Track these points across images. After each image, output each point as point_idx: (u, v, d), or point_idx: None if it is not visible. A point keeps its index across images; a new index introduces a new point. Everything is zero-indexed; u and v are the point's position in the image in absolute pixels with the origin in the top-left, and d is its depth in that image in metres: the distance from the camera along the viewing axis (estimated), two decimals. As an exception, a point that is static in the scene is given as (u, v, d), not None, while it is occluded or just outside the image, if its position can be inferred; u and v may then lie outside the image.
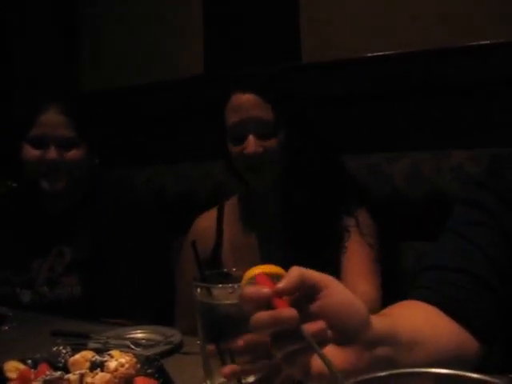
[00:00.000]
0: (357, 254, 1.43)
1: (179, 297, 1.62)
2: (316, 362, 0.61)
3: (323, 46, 1.99)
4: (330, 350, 0.64)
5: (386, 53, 1.86)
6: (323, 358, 0.60)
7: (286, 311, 0.61)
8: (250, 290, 0.63)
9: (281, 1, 2.09)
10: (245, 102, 1.44)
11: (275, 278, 0.81)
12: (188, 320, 1.52)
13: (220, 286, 0.85)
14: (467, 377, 0.47)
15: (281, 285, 0.63)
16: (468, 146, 1.64)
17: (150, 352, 1.10)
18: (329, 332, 0.63)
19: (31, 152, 1.64)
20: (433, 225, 1.11)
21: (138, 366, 0.94)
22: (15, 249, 1.72)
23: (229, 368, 0.85)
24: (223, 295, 0.85)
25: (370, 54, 1.88)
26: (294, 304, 0.64)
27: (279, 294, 0.62)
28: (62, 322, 1.38)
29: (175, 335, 1.21)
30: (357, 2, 1.93)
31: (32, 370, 0.96)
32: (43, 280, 1.67)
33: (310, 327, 0.61)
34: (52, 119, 1.64)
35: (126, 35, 2.49)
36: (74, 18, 2.61)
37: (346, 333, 0.64)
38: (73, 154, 1.65)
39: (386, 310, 0.82)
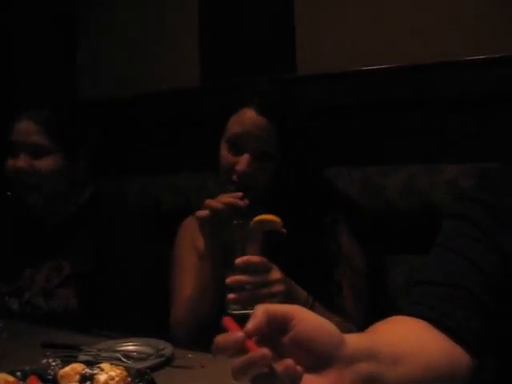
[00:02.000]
0: (351, 298, 1.43)
1: (179, 283, 1.55)
2: None
3: (318, 58, 2.00)
4: (310, 378, 0.64)
5: (381, 66, 1.86)
6: None
7: (257, 353, 0.61)
8: (221, 338, 0.63)
9: (276, 12, 2.10)
10: (255, 122, 1.40)
11: (271, 224, 1.24)
12: (185, 307, 1.48)
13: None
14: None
15: (248, 326, 0.63)
16: (462, 160, 1.65)
17: (140, 365, 1.09)
18: (298, 367, 0.63)
19: (8, 161, 1.64)
20: (426, 238, 1.10)
21: (129, 379, 0.93)
22: (7, 258, 1.71)
23: (233, 278, 1.20)
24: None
25: (364, 68, 1.89)
26: (268, 341, 0.64)
27: (248, 335, 0.63)
28: (53, 334, 1.37)
29: (167, 348, 1.20)
30: (353, 15, 1.94)
31: (21, 383, 0.95)
32: (38, 291, 1.66)
33: (279, 367, 0.62)
34: (23, 127, 1.62)
35: (121, 45, 2.50)
36: (74, 31, 2.62)
37: (321, 356, 0.65)
38: (44, 162, 1.62)
39: (372, 327, 0.82)
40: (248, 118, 1.41)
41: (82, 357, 1.15)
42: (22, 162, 1.60)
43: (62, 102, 1.87)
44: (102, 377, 0.91)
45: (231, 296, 1.22)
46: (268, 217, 1.25)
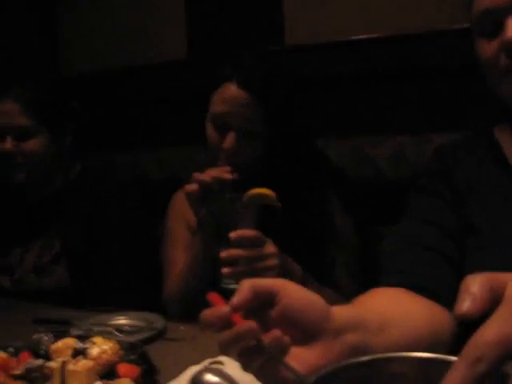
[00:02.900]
0: (345, 274, 1.44)
1: (171, 257, 1.55)
2: (286, 371, 0.62)
3: (306, 28, 1.98)
4: (299, 351, 0.64)
5: (369, 36, 1.85)
6: (286, 365, 0.61)
7: (244, 325, 0.61)
8: (207, 313, 0.63)
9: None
10: (237, 98, 1.36)
11: (265, 198, 1.23)
12: (177, 281, 1.49)
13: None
14: (449, 360, 0.47)
15: (234, 300, 0.63)
16: (450, 129, 1.65)
17: (133, 338, 1.10)
18: (286, 337, 0.63)
19: None
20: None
21: (121, 352, 0.94)
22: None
23: (227, 252, 1.20)
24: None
25: (352, 37, 1.87)
26: (254, 315, 0.64)
27: (234, 309, 0.62)
28: (44, 310, 1.37)
29: (159, 321, 1.20)
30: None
31: (13, 358, 0.95)
32: (30, 268, 1.66)
33: (266, 338, 0.62)
34: (7, 108, 1.60)
35: (104, 17, 2.46)
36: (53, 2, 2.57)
37: (309, 329, 0.65)
38: (31, 143, 1.61)
39: (357, 298, 0.83)
40: (230, 93, 1.38)
41: (75, 331, 1.16)
42: (9, 144, 1.59)
43: (44, 79, 1.84)
44: (95, 350, 0.91)
45: (225, 270, 1.21)
46: (262, 190, 1.24)
